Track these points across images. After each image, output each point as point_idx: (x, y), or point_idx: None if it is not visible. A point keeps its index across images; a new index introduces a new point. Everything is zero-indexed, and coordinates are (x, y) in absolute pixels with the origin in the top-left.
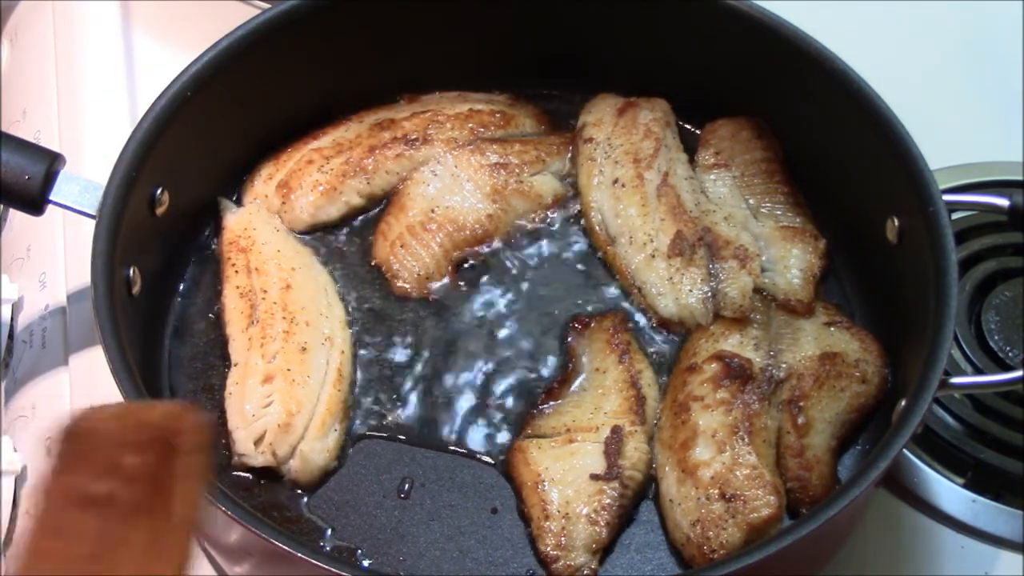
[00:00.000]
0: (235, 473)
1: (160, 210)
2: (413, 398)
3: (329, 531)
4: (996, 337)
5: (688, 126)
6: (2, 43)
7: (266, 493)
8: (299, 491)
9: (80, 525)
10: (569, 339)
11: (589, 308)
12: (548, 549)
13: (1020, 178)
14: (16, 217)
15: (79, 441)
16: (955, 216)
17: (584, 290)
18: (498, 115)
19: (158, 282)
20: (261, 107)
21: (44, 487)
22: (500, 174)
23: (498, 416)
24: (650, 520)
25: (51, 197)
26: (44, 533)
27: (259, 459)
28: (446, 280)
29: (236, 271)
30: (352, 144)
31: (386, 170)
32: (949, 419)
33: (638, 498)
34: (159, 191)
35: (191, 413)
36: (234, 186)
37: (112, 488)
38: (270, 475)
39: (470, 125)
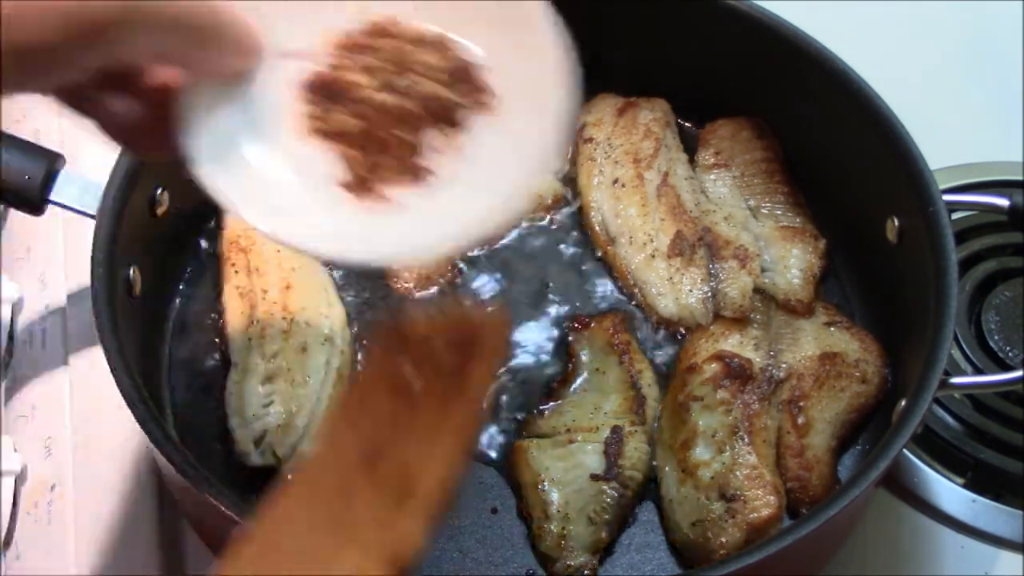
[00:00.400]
0: (235, 473)
1: (160, 210)
2: None
3: None
4: (996, 337)
5: (688, 126)
6: None
7: (266, 493)
8: None
9: (387, 404)
10: (569, 339)
11: (589, 308)
12: (548, 549)
13: (1020, 178)
14: (16, 217)
15: (402, 336)
16: (955, 216)
17: (584, 290)
18: None
19: (158, 282)
20: None
21: (364, 369)
22: None
23: (498, 416)
24: (650, 520)
25: (51, 197)
26: (351, 406)
27: (259, 459)
28: (446, 280)
29: (236, 271)
30: None
31: None
32: (949, 419)
33: (638, 498)
34: (159, 191)
35: (499, 316)
36: None
37: (425, 379)
38: (270, 475)
39: None
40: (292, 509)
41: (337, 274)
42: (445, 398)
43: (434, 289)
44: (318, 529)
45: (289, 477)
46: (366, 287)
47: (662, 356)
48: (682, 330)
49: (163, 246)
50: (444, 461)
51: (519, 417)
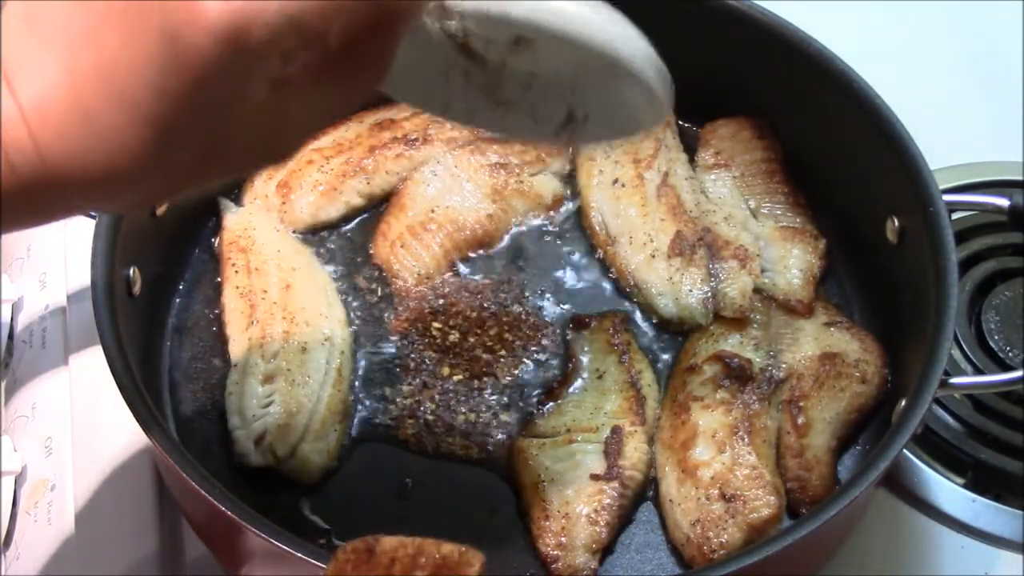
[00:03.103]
0: (235, 473)
1: (160, 210)
2: (414, 398)
3: (329, 531)
4: (996, 337)
5: (688, 126)
6: None
7: (266, 493)
8: (299, 491)
9: None
10: (569, 339)
11: (589, 308)
12: (548, 549)
13: (1020, 178)
14: None
15: (374, 555)
16: (955, 216)
17: (584, 290)
18: None
19: (158, 282)
20: None
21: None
22: (500, 174)
23: (498, 416)
24: (650, 520)
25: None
26: None
27: (259, 459)
28: (446, 280)
29: (236, 271)
30: (352, 144)
31: (386, 170)
32: (949, 419)
33: (638, 498)
34: None
35: (474, 553)
36: (234, 186)
37: None
38: (270, 475)
39: None
40: None
41: (337, 274)
42: None
43: (433, 288)
44: None
45: None
46: (366, 287)
47: (662, 356)
48: (682, 330)
49: (163, 246)
50: None
51: (519, 417)
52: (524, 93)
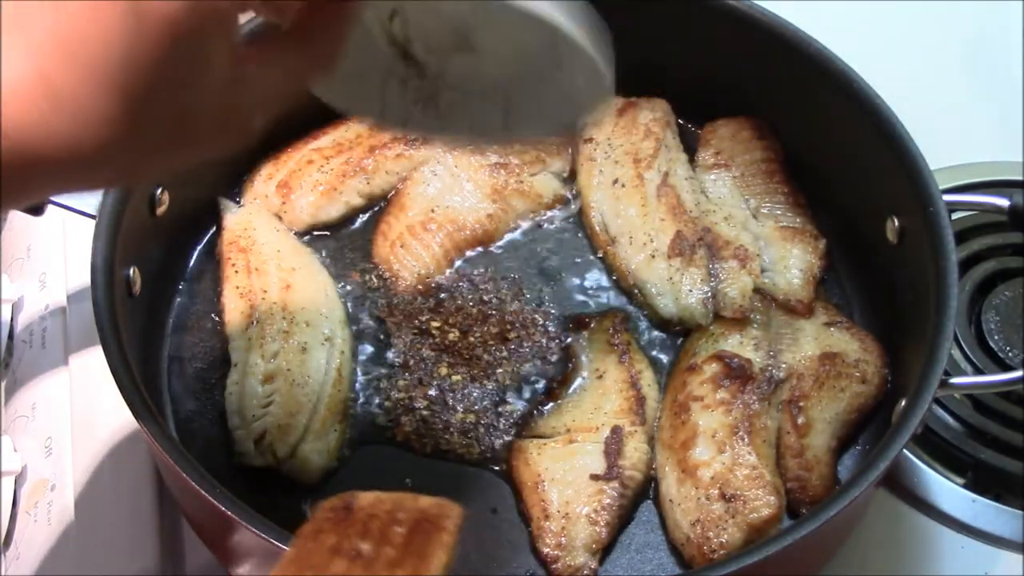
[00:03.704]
0: (235, 473)
1: (160, 210)
2: (413, 398)
3: None
4: (996, 337)
5: (688, 126)
6: None
7: (266, 493)
8: (299, 491)
9: (337, 568)
10: (569, 339)
11: (589, 308)
12: (548, 549)
13: (1020, 178)
14: (16, 217)
15: (352, 511)
16: (955, 216)
17: (584, 290)
18: None
19: (158, 282)
20: None
21: (313, 534)
22: (500, 174)
23: (498, 416)
24: (650, 520)
25: (51, 197)
26: (305, 566)
27: (259, 459)
28: (446, 280)
29: (236, 271)
30: (352, 144)
31: (386, 170)
32: (949, 419)
33: (638, 498)
34: (159, 191)
35: (452, 506)
36: (234, 186)
37: (377, 548)
38: (270, 475)
39: None
40: None
41: (337, 274)
42: (403, 565)
43: (434, 288)
44: None
45: None
46: (366, 287)
47: (662, 356)
48: (682, 330)
49: (163, 246)
50: None
51: (519, 417)
52: (461, 101)
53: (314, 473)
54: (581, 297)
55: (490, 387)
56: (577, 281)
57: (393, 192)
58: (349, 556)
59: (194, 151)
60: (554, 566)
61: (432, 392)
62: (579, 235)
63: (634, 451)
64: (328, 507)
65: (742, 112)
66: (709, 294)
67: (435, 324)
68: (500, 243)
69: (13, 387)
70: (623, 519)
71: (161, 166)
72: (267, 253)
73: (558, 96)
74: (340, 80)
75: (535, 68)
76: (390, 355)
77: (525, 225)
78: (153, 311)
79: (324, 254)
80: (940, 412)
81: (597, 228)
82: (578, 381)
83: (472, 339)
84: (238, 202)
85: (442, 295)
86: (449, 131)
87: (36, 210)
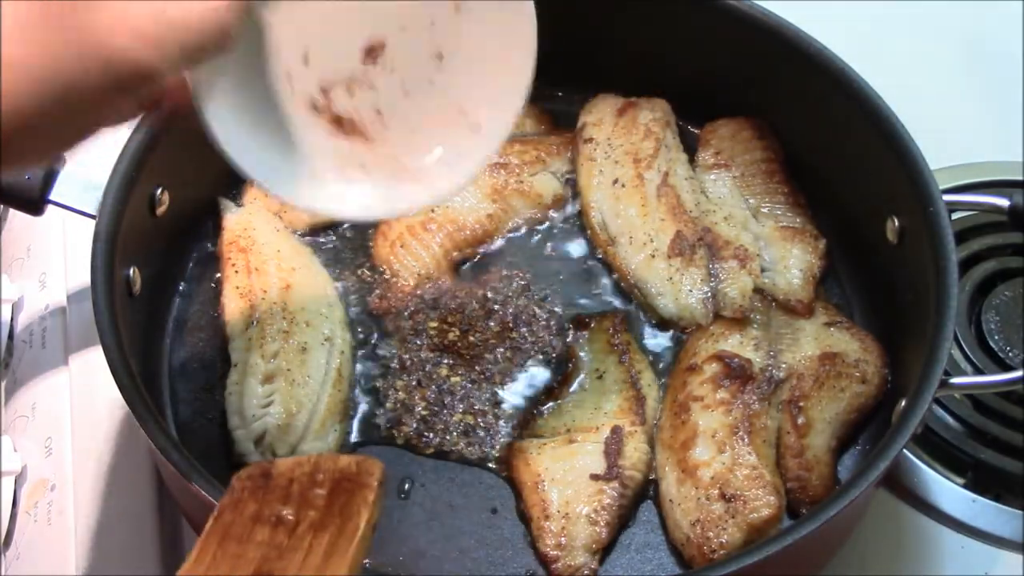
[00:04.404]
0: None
1: (160, 210)
2: (413, 398)
3: None
4: (996, 337)
5: (688, 126)
6: None
7: None
8: None
9: (260, 536)
10: (569, 339)
11: (589, 308)
12: (548, 549)
13: (1020, 178)
14: (16, 217)
15: (271, 478)
16: (955, 216)
17: (584, 290)
18: None
19: (158, 282)
20: None
21: (232, 505)
22: (500, 174)
23: (498, 416)
24: (650, 520)
25: (51, 197)
26: (227, 538)
27: (259, 459)
28: (446, 280)
29: (236, 271)
30: None
31: None
32: (949, 419)
33: (638, 498)
34: (159, 191)
35: (373, 462)
36: (234, 186)
37: (298, 511)
38: None
39: None
40: None
41: (337, 274)
42: (327, 527)
43: (432, 288)
44: None
45: None
46: (366, 287)
47: (662, 356)
48: (682, 330)
49: (163, 246)
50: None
51: (519, 417)
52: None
53: None
54: (581, 297)
55: (490, 387)
56: (577, 281)
57: None
58: (271, 523)
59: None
60: (554, 566)
61: (432, 393)
62: (579, 235)
63: (634, 451)
64: (246, 476)
65: (742, 112)
66: (709, 294)
67: (434, 324)
68: (500, 243)
69: (13, 387)
70: (623, 519)
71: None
72: (267, 253)
73: (486, 52)
74: (299, 178)
75: (454, 32)
76: (390, 355)
77: (525, 225)
78: (153, 311)
79: (324, 254)
80: (940, 412)
81: (597, 228)
82: (578, 381)
83: (472, 339)
84: (238, 202)
85: (442, 295)
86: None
87: (36, 210)
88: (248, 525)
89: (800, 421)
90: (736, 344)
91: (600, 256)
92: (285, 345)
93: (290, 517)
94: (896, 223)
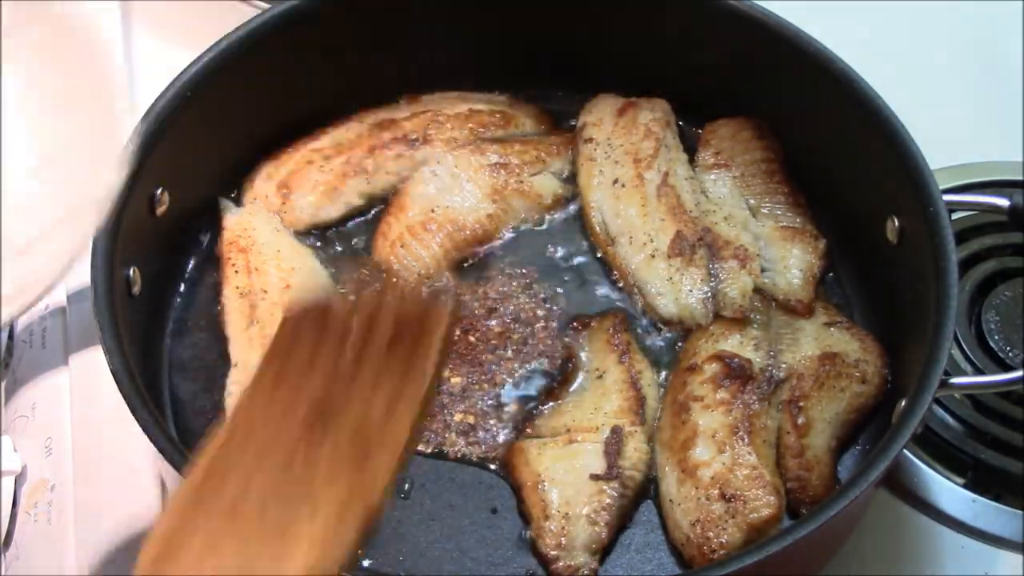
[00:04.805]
0: None
1: (160, 210)
2: None
3: None
4: (996, 337)
5: (688, 126)
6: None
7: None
8: None
9: (319, 377)
10: (569, 339)
11: (589, 308)
12: (548, 549)
13: (1020, 178)
14: None
15: (328, 317)
16: (955, 216)
17: (584, 290)
18: (498, 115)
19: (158, 282)
20: (261, 107)
21: (288, 338)
22: (500, 174)
23: (498, 416)
24: (650, 520)
25: None
26: (283, 373)
27: None
28: (446, 280)
29: (236, 271)
30: (352, 144)
31: (386, 170)
32: (949, 419)
33: (638, 498)
34: (159, 191)
35: (439, 309)
36: (234, 186)
37: (359, 353)
38: None
39: (470, 125)
40: (232, 477)
41: (337, 274)
42: (385, 366)
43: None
44: (270, 497)
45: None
46: (366, 287)
47: (662, 356)
48: (682, 330)
49: (163, 246)
50: (398, 423)
51: (519, 417)
52: None
53: None
54: (581, 297)
55: (490, 387)
56: (577, 281)
57: (393, 192)
58: (328, 364)
59: None
60: (554, 566)
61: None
62: (579, 235)
63: (634, 451)
64: (301, 313)
65: (742, 112)
66: (709, 294)
67: None
68: (500, 243)
69: (13, 387)
70: (623, 519)
71: None
72: (267, 253)
73: None
74: None
75: None
76: None
77: (525, 225)
78: (153, 311)
79: (324, 254)
80: (940, 412)
81: (597, 228)
82: (578, 381)
83: (472, 339)
84: (238, 202)
85: (442, 295)
86: None
87: None
88: (306, 361)
89: (800, 421)
90: (736, 344)
91: (600, 256)
92: None
93: (350, 358)
94: (896, 223)
